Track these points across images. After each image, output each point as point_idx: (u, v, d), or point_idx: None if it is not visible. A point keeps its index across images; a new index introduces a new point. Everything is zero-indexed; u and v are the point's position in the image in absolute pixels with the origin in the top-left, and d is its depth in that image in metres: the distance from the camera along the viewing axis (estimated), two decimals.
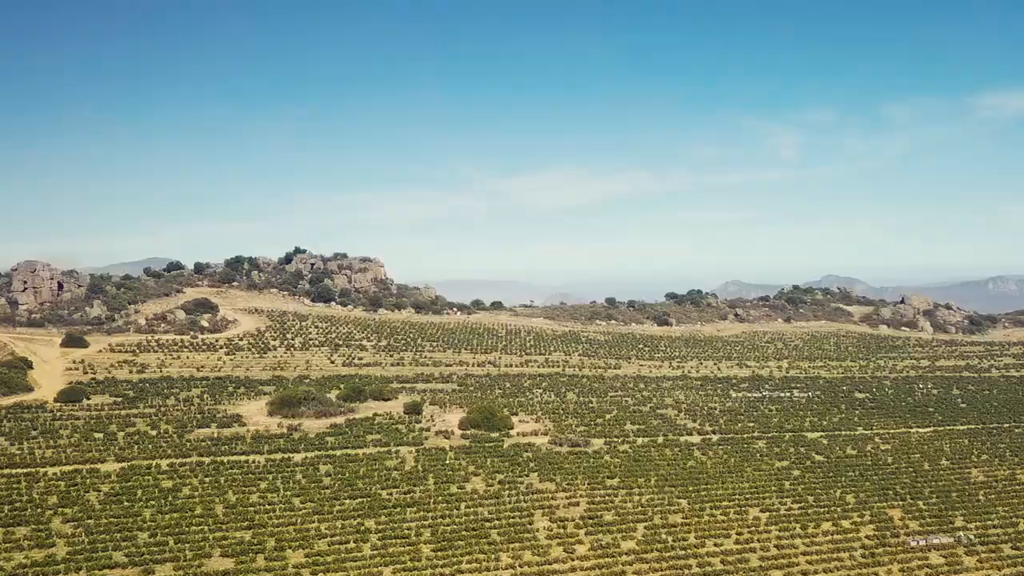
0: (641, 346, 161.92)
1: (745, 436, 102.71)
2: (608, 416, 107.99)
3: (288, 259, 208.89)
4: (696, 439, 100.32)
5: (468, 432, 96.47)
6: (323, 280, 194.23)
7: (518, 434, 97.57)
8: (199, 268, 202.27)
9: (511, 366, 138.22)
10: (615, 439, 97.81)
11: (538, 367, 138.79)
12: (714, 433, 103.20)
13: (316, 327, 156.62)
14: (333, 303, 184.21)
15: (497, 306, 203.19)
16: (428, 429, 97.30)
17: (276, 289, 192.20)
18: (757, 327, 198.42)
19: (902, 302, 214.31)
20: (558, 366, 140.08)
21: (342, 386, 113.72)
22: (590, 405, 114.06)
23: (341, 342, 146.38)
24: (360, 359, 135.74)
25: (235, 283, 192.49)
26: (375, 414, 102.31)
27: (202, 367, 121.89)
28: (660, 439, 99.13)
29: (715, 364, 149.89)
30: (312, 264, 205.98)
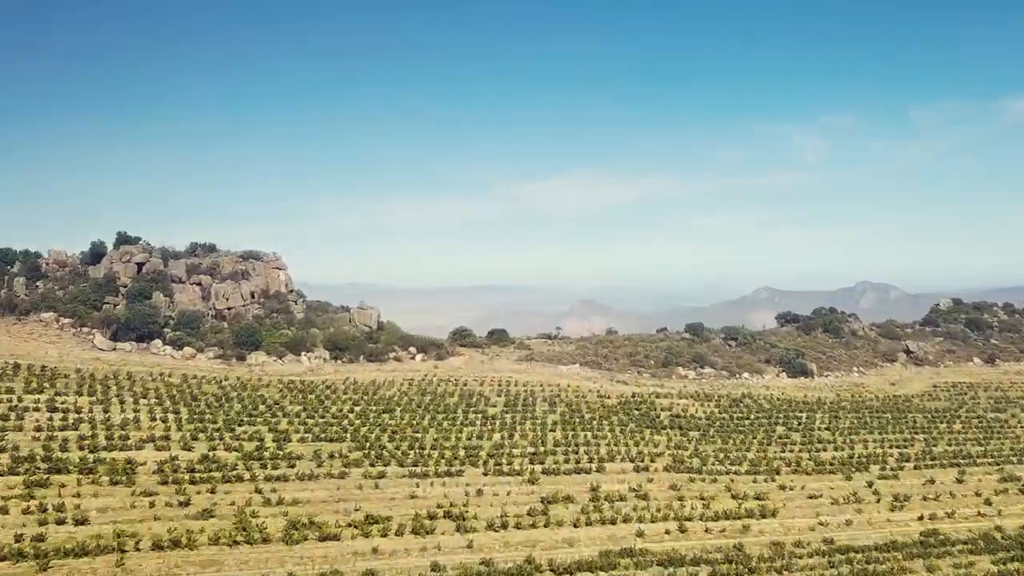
0: (787, 431, 72.76)
1: None
2: None
3: (96, 256, 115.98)
4: None
5: None
6: (150, 296, 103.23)
7: None
8: None
9: (505, 524, 48.85)
10: None
11: (574, 516, 49.41)
12: None
13: (54, 416, 65.86)
14: (158, 342, 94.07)
15: (499, 339, 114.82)
16: None
17: (53, 313, 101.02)
18: (945, 374, 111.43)
19: None
20: (626, 514, 50.41)
21: None
22: None
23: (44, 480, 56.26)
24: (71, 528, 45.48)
25: None
26: None
27: None
28: None
29: (958, 479, 61.01)
30: (140, 265, 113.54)
